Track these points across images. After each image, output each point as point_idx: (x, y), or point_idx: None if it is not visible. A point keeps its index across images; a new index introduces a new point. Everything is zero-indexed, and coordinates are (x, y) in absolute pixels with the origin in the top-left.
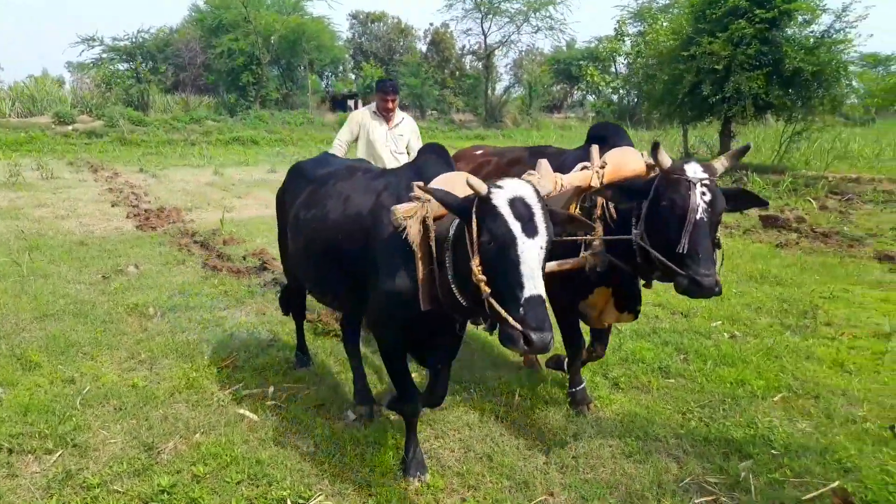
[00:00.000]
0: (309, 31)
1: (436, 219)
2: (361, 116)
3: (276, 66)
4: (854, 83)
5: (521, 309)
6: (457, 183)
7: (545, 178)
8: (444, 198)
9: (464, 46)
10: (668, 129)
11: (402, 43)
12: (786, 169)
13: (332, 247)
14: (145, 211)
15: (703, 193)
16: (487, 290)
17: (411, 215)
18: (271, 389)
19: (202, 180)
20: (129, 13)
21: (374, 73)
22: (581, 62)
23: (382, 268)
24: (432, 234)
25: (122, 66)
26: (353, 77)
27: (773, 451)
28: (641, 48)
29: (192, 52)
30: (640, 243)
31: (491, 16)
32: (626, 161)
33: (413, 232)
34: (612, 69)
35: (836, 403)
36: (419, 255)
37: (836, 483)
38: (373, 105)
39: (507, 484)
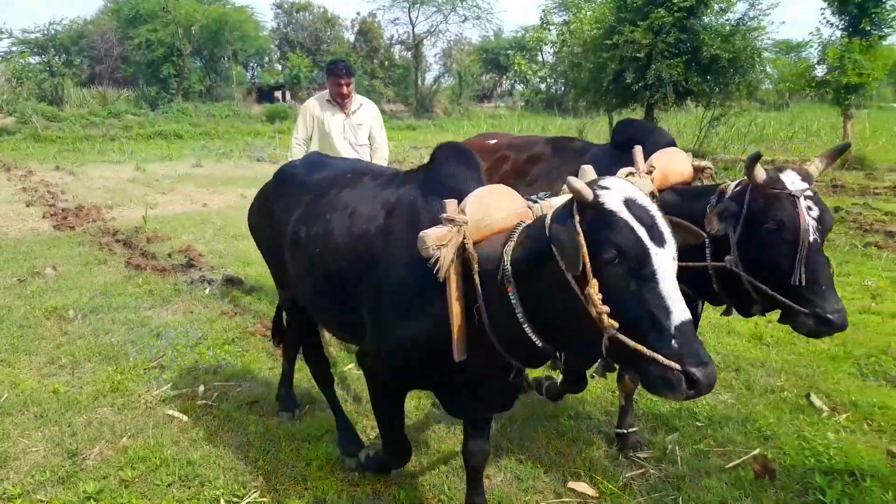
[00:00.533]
0: (232, 21)
1: (474, 243)
2: (313, 107)
3: (199, 57)
4: (768, 69)
5: (673, 341)
6: (492, 201)
7: None
8: (546, 235)
9: (392, 36)
10: (594, 116)
11: (328, 33)
12: (706, 153)
13: (337, 271)
14: (63, 210)
15: (810, 208)
16: (614, 324)
17: (444, 243)
18: (201, 388)
19: (123, 176)
20: (40, 4)
21: (301, 64)
22: (509, 52)
23: (392, 305)
24: (475, 266)
25: (33, 60)
26: (279, 68)
27: (697, 423)
28: (566, 37)
29: (109, 43)
30: (734, 272)
31: (418, 5)
32: (674, 164)
33: (447, 264)
34: (539, 58)
35: (755, 375)
36: (455, 295)
37: (757, 451)
38: (325, 92)
39: (444, 469)
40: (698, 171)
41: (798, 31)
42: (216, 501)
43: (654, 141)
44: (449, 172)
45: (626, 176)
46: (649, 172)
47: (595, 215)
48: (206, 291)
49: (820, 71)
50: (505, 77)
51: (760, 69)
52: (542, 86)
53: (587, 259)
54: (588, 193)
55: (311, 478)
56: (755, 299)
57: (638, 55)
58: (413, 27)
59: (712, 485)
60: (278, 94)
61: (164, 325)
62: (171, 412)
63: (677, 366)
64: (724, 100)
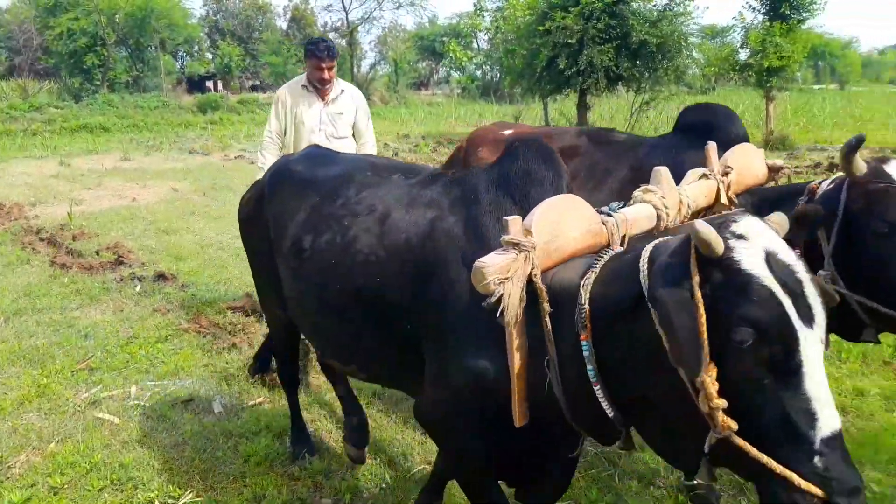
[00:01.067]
0: (158, 9)
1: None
2: (285, 96)
3: (124, 46)
4: (694, 54)
5: (816, 458)
6: (563, 217)
7: (669, 195)
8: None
9: (326, 23)
10: (529, 103)
11: (260, 20)
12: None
13: (366, 293)
14: None
15: None
16: (732, 425)
17: (509, 275)
18: (133, 389)
19: (46, 172)
20: None
21: (232, 53)
22: (444, 38)
23: (458, 335)
24: (546, 306)
25: None
26: (210, 57)
27: None
28: (500, 23)
29: (27, 33)
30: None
31: None
32: (751, 164)
33: (514, 304)
34: (474, 45)
35: None
36: (517, 342)
37: None
38: (299, 78)
39: (386, 458)
40: (773, 171)
41: (722, 16)
42: None
43: (727, 132)
44: (525, 170)
45: (700, 178)
46: (725, 174)
47: (725, 278)
48: (137, 289)
49: (743, 55)
50: (441, 64)
51: (687, 54)
52: (478, 73)
53: (706, 351)
54: (719, 246)
55: (250, 474)
56: (865, 321)
57: (570, 41)
58: (347, 14)
59: (646, 458)
60: (210, 83)
61: (92, 325)
62: (101, 415)
63: (819, 492)
64: (654, 84)
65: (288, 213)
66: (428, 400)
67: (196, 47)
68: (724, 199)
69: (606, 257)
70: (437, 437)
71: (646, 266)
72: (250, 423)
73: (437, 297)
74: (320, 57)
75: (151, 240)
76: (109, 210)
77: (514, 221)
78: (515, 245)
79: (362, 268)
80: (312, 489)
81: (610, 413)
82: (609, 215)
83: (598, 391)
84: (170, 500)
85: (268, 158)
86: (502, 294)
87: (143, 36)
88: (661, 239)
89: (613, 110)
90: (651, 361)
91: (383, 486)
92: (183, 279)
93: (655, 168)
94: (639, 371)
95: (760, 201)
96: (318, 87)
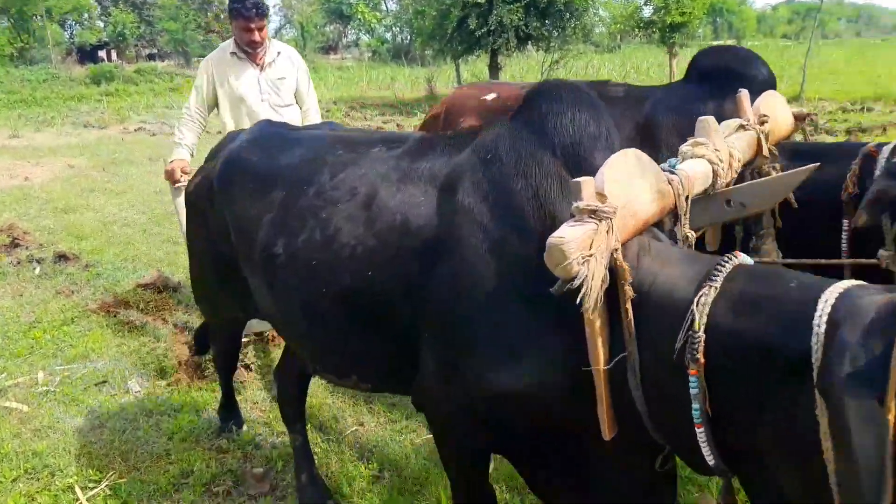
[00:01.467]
0: None
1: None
2: (210, 66)
3: (6, 16)
4: (601, 12)
5: None
6: (634, 175)
7: (720, 147)
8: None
9: None
10: (441, 65)
11: None
12: None
13: (359, 293)
14: None
15: None
16: None
17: (592, 251)
18: (41, 375)
19: None
20: None
21: (125, 20)
22: (351, 0)
23: (477, 327)
24: (628, 289)
25: None
26: (101, 25)
27: None
28: None
29: None
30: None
31: None
32: (779, 112)
33: (597, 287)
34: (383, 6)
35: None
36: (597, 329)
37: None
38: (227, 44)
39: (318, 422)
40: (799, 119)
41: None
42: (70, 490)
43: (751, 78)
44: (571, 117)
45: (737, 129)
46: (762, 123)
47: None
48: (37, 271)
49: (647, 12)
50: (349, 27)
51: (594, 12)
52: (388, 35)
53: (889, 495)
54: None
55: (175, 451)
56: None
57: (479, 1)
58: None
59: None
60: (102, 53)
61: None
62: (7, 404)
63: None
64: (563, 44)
65: (251, 215)
66: (431, 395)
67: (86, 15)
68: (765, 152)
69: (729, 268)
70: (436, 431)
71: (824, 326)
72: (171, 399)
73: (446, 284)
74: (248, 16)
75: (49, 220)
76: (0, 191)
77: (586, 183)
78: (593, 213)
79: (350, 264)
80: (242, 460)
81: (710, 461)
82: (672, 173)
83: (701, 435)
84: (91, 485)
85: (185, 134)
86: (586, 277)
87: (27, 4)
88: (851, 286)
89: (524, 70)
90: (789, 441)
91: (315, 451)
92: (86, 259)
93: (701, 118)
94: (765, 439)
95: (795, 159)
96: (250, 51)
